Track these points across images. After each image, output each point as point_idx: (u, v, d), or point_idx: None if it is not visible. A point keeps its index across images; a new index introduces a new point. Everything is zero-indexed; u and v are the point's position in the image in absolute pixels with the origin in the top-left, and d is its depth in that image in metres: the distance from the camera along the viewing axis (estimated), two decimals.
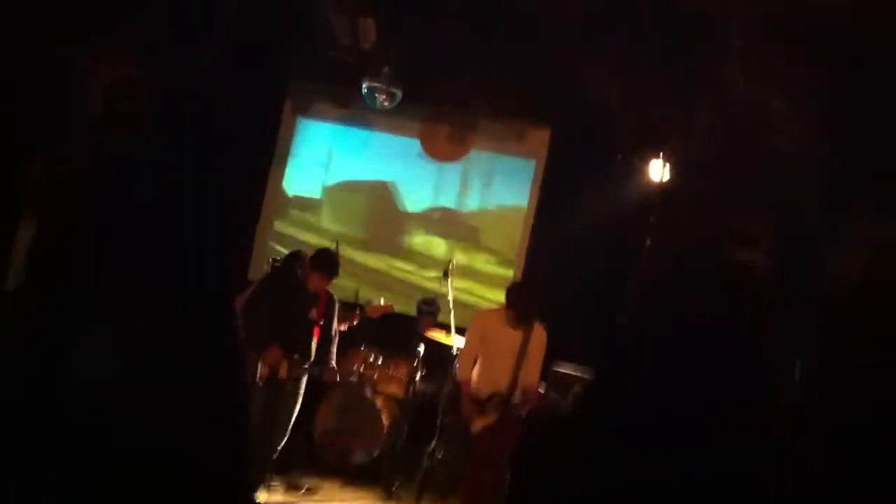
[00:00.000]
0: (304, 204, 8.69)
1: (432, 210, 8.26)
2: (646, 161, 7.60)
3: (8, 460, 1.43)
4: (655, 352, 1.45)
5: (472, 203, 8.19)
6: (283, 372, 6.02)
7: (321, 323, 6.25)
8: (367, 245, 8.33)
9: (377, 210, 8.41)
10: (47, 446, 1.43)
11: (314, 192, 8.68)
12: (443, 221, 8.22)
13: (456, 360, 6.28)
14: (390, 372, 7.20)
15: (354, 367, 7.04)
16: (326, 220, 8.55)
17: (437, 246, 8.20)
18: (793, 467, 1.35)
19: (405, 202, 8.28)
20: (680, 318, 1.47)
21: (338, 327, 6.45)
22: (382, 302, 7.29)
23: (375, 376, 7.13)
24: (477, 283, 8.00)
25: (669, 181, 7.51)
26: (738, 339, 1.43)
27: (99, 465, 1.42)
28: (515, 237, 8.04)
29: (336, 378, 6.45)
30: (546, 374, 6.36)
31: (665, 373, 1.44)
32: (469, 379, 5.89)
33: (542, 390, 6.13)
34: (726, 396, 1.40)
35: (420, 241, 8.22)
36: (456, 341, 6.70)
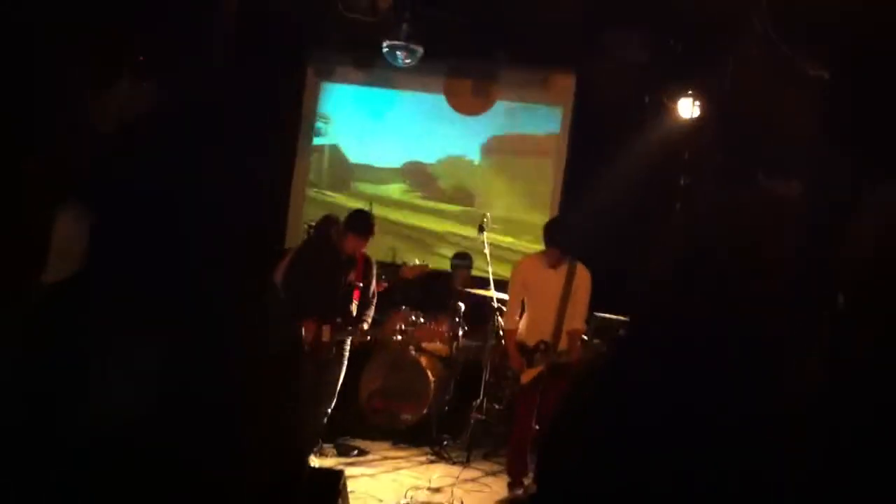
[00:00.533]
0: None
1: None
2: (674, 101, 7.49)
3: (14, 466, 1.42)
4: (684, 306, 1.39)
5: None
6: (325, 336, 6.01)
7: (360, 285, 6.23)
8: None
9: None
10: (62, 451, 1.41)
11: None
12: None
13: (497, 313, 6.23)
14: (433, 327, 7.18)
15: (396, 328, 7.03)
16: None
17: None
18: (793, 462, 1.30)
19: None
20: (716, 260, 1.41)
21: (375, 289, 6.43)
22: (417, 262, 7.28)
23: (418, 335, 7.12)
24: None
25: (699, 120, 7.40)
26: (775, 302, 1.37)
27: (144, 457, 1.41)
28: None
29: (365, 339, 6.42)
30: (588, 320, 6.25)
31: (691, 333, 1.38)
32: (515, 329, 5.78)
33: (587, 336, 5.99)
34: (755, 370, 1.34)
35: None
36: (495, 294, 6.66)
